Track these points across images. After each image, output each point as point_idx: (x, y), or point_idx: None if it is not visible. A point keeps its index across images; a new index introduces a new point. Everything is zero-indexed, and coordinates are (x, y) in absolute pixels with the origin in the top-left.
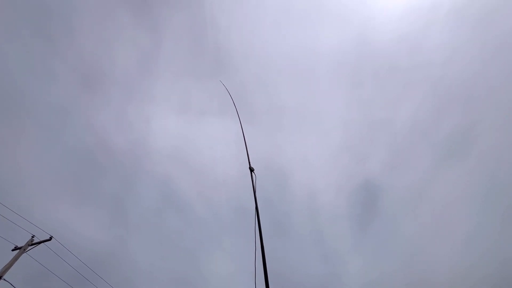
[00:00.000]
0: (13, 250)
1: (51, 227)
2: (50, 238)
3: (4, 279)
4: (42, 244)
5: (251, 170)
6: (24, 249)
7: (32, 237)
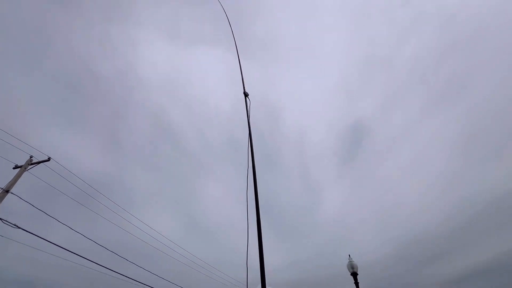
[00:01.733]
0: (14, 168)
1: (47, 152)
2: (49, 159)
3: (12, 193)
4: (42, 168)
5: (246, 95)
6: (25, 168)
7: (31, 157)
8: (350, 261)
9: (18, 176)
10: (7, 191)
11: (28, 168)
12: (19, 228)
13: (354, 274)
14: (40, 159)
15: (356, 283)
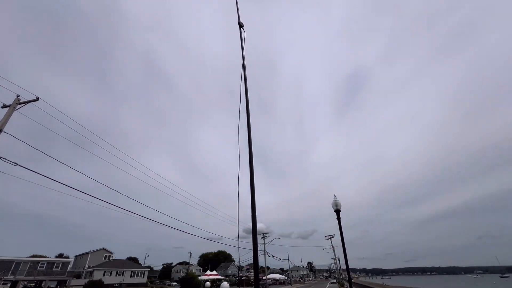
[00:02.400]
0: (2, 107)
1: (36, 94)
2: (37, 98)
3: (5, 132)
4: (33, 111)
5: (240, 25)
6: (14, 107)
7: (18, 96)
8: (335, 200)
9: (8, 115)
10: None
11: (17, 108)
12: (19, 165)
13: (337, 211)
14: (28, 99)
15: (339, 219)
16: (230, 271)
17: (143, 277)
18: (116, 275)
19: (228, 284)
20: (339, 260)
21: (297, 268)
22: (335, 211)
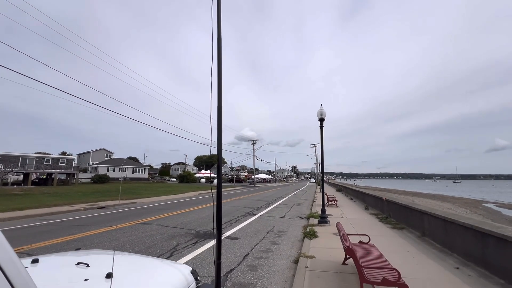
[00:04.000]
0: None
1: None
2: None
3: None
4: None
5: None
6: None
7: None
8: (320, 109)
9: None
10: None
11: None
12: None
13: (321, 120)
14: None
15: (321, 127)
16: (223, 171)
17: (144, 173)
18: (119, 171)
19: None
20: (319, 165)
21: (282, 171)
22: (319, 120)
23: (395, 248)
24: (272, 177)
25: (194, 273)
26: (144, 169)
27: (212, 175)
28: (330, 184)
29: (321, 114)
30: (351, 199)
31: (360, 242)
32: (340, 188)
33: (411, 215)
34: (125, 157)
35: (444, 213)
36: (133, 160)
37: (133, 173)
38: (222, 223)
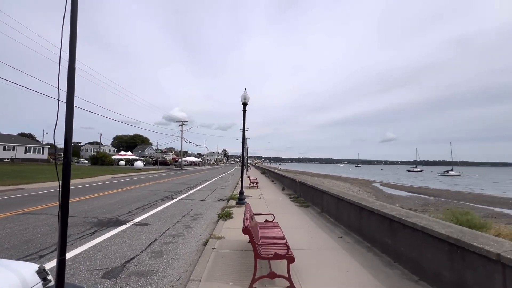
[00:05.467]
0: None
1: None
2: None
3: None
4: None
5: None
6: None
7: None
8: (244, 93)
9: None
10: None
11: None
12: None
13: (244, 104)
14: None
15: (244, 111)
16: (147, 153)
17: (43, 154)
18: (4, 150)
19: (142, 163)
20: (247, 149)
21: (212, 154)
22: (242, 104)
23: (298, 224)
24: (201, 160)
25: (41, 272)
26: (42, 148)
27: (134, 157)
28: (257, 168)
29: (245, 98)
30: (272, 181)
31: (266, 221)
32: (264, 171)
33: (315, 194)
34: (15, 133)
35: (338, 192)
36: (27, 138)
37: (26, 153)
38: (134, 208)
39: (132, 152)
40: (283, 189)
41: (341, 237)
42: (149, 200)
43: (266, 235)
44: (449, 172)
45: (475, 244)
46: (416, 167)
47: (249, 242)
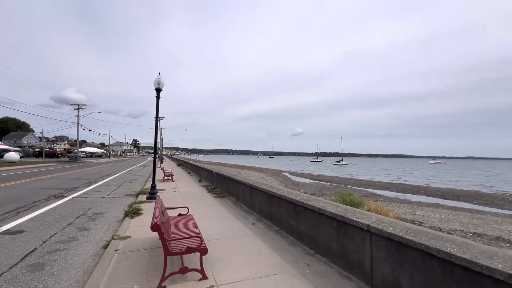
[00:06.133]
0: None
1: None
2: None
3: None
4: None
5: None
6: None
7: None
8: (158, 78)
9: None
10: None
11: None
12: None
13: (158, 90)
14: None
15: (158, 97)
16: (26, 142)
17: None
18: None
19: (18, 155)
20: (162, 140)
21: (120, 144)
22: (155, 89)
23: (213, 215)
24: (105, 152)
25: None
26: None
27: (5, 147)
28: (173, 159)
29: (158, 84)
30: (189, 173)
31: (179, 214)
32: (181, 163)
33: (232, 185)
34: None
35: (252, 182)
36: None
37: None
38: (1, 213)
39: (1, 140)
40: (200, 181)
41: (253, 223)
42: (27, 200)
43: (179, 229)
44: (340, 162)
45: (354, 219)
46: (317, 158)
47: (159, 239)
